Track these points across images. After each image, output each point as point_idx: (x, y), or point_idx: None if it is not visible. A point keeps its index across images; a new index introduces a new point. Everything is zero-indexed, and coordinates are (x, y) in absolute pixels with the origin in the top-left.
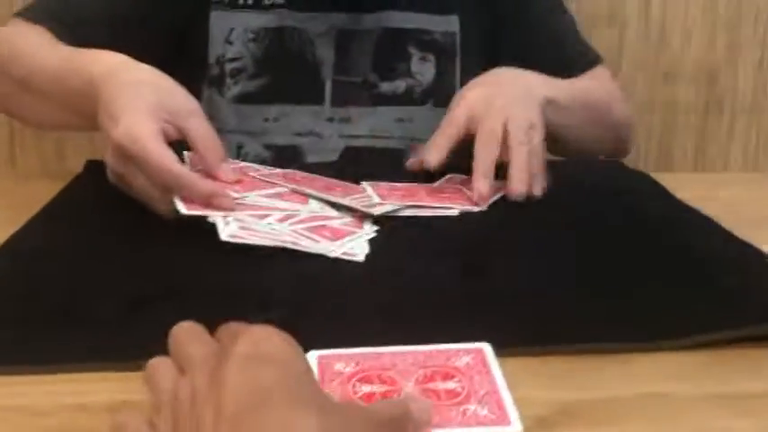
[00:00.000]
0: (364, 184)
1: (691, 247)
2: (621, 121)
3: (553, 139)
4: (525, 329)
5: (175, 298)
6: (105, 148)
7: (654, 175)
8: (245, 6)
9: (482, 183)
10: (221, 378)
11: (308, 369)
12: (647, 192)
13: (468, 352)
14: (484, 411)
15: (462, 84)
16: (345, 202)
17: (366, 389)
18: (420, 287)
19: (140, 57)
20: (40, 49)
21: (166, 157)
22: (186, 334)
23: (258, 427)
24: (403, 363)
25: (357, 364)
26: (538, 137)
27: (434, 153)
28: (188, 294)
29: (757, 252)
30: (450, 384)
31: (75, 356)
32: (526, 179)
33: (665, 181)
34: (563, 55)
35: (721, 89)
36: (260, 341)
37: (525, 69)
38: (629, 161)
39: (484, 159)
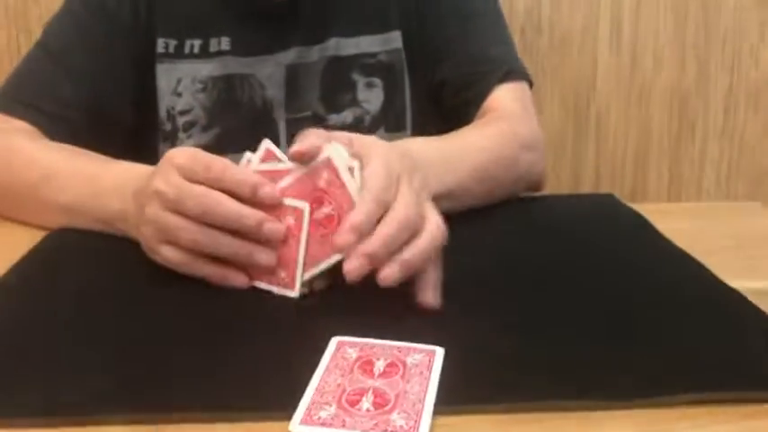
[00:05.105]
0: None
1: (681, 297)
2: (528, 169)
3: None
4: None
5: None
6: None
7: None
8: (190, 55)
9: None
10: None
11: None
12: (638, 234)
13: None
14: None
15: (413, 101)
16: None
17: None
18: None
19: (116, 123)
20: (45, 154)
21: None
22: None
23: None
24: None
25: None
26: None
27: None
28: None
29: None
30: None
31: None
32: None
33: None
34: (478, 59)
35: (693, 114)
36: None
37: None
38: (605, 187)
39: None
